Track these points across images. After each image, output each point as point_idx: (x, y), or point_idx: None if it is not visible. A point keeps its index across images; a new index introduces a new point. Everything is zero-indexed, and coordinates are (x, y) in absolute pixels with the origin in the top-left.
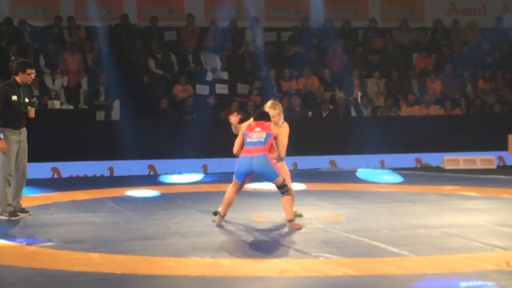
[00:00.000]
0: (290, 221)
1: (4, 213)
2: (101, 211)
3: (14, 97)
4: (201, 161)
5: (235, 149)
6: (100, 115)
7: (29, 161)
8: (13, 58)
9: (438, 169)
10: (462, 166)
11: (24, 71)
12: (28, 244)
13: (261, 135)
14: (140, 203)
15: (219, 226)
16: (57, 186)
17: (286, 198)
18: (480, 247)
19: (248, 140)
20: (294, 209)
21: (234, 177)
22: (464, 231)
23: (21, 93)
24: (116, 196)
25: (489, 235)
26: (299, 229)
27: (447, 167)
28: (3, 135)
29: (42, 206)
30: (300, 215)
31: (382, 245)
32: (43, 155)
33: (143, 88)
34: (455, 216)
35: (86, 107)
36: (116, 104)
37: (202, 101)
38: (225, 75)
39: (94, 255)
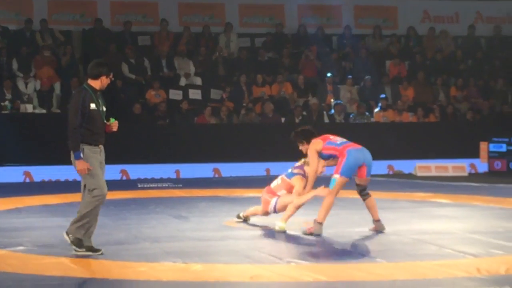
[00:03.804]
0: (378, 220)
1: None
2: (72, 215)
3: (93, 105)
4: (174, 166)
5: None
6: None
7: (0, 165)
8: None
9: (410, 176)
10: (434, 173)
11: (108, 75)
12: None
13: (341, 138)
14: (112, 208)
15: (319, 235)
16: (29, 190)
17: (373, 199)
18: (451, 254)
19: (338, 142)
20: (243, 213)
21: (339, 176)
22: (435, 238)
23: (99, 101)
24: None
25: (461, 242)
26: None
27: (419, 174)
28: (83, 153)
29: (14, 210)
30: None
31: (354, 251)
32: (15, 159)
33: (116, 93)
34: (426, 223)
35: (59, 111)
36: None
37: (175, 106)
38: (198, 81)
39: (65, 260)
